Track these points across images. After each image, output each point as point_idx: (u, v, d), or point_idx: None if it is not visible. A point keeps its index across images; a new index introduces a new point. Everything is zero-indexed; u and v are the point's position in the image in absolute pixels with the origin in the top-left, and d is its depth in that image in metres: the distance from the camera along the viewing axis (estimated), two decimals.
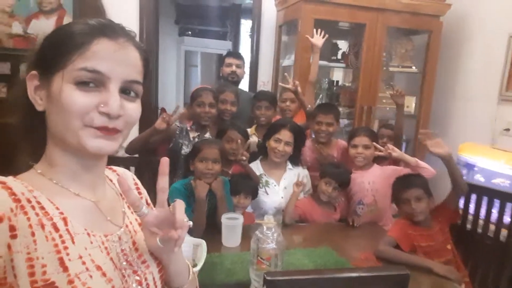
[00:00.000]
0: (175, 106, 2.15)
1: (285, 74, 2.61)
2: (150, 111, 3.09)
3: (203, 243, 1.44)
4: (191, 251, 1.40)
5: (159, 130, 2.01)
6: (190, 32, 5.65)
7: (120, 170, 0.80)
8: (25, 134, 0.65)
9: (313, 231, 1.95)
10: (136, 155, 2.25)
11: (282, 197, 2.04)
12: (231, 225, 1.62)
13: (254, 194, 1.92)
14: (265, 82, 3.27)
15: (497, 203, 1.90)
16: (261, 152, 2.15)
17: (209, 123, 2.23)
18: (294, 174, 2.10)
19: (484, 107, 2.76)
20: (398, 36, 3.03)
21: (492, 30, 2.71)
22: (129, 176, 0.81)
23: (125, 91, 0.63)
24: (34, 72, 0.62)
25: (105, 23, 0.63)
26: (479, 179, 2.48)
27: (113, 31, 0.62)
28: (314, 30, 2.49)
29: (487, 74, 2.75)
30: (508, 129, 2.58)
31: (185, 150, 2.16)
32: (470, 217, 1.95)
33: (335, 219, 2.04)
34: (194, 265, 1.32)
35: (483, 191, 1.95)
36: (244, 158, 1.89)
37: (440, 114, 3.14)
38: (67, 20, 2.69)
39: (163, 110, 3.29)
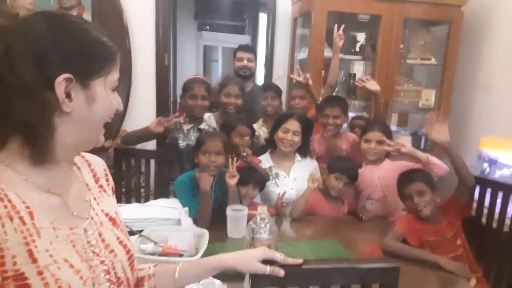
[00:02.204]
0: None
1: (297, 66, 2.59)
2: (166, 105, 3.15)
3: (205, 233, 1.47)
4: (195, 240, 1.43)
5: (154, 132, 2.07)
6: (208, 27, 5.68)
7: (90, 157, 0.80)
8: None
9: (321, 224, 1.94)
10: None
11: (292, 188, 2.05)
12: (236, 216, 1.64)
13: (262, 185, 1.93)
14: (280, 76, 3.26)
15: None
16: (270, 145, 2.16)
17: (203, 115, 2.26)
18: (303, 166, 2.10)
19: (507, 100, 2.65)
20: (416, 27, 2.95)
21: None
22: (100, 164, 0.81)
23: None
24: (68, 75, 0.60)
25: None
26: (502, 174, 2.39)
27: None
28: (336, 26, 2.39)
29: (510, 65, 2.63)
30: None
31: (181, 143, 2.18)
32: (485, 211, 1.89)
33: (344, 213, 2.03)
34: (196, 254, 1.35)
35: (498, 186, 1.88)
36: (244, 154, 1.90)
37: (461, 107, 3.04)
38: (86, 16, 2.76)
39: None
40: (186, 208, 1.67)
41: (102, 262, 0.69)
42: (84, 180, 0.75)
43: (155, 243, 1.36)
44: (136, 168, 2.40)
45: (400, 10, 2.70)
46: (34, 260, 0.57)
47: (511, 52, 2.64)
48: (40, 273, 0.57)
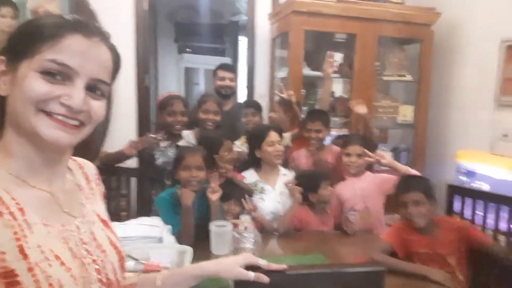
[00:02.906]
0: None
1: (281, 84, 2.64)
2: (147, 126, 3.12)
3: (189, 250, 1.43)
4: (177, 257, 1.39)
5: (128, 155, 2.11)
6: (189, 49, 5.74)
7: (82, 161, 0.79)
8: None
9: (307, 239, 1.92)
10: None
11: (278, 202, 2.04)
12: (220, 232, 1.60)
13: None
14: (261, 95, 3.30)
15: (492, 206, 1.86)
16: (253, 162, 2.15)
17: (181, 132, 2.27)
18: (288, 179, 2.09)
19: (481, 113, 2.74)
20: (390, 45, 3.05)
21: (484, 36, 2.71)
22: (91, 168, 0.80)
23: (91, 88, 0.63)
24: (1, 57, 0.62)
25: (80, 20, 0.63)
26: (480, 185, 2.45)
27: (87, 29, 0.63)
28: (328, 53, 2.49)
29: (482, 79, 2.74)
30: (506, 135, 2.55)
31: (158, 160, 2.18)
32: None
33: (330, 226, 2.02)
34: None
35: (477, 195, 1.92)
36: (223, 171, 1.90)
37: (437, 122, 3.12)
38: None
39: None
40: (169, 226, 1.63)
41: (94, 261, 0.67)
42: (76, 180, 0.74)
43: (137, 260, 1.31)
44: (116, 190, 2.35)
45: (374, 29, 2.79)
46: (25, 256, 0.55)
47: (481, 66, 2.74)
48: (30, 269, 0.55)
